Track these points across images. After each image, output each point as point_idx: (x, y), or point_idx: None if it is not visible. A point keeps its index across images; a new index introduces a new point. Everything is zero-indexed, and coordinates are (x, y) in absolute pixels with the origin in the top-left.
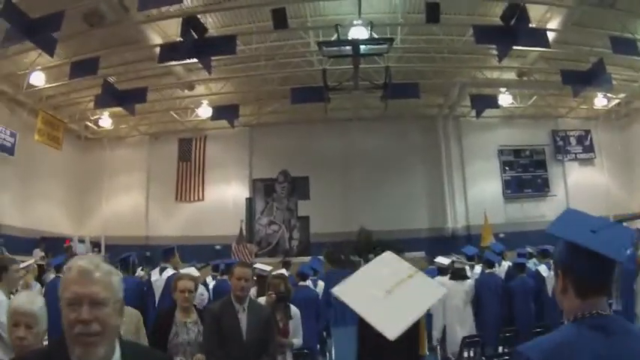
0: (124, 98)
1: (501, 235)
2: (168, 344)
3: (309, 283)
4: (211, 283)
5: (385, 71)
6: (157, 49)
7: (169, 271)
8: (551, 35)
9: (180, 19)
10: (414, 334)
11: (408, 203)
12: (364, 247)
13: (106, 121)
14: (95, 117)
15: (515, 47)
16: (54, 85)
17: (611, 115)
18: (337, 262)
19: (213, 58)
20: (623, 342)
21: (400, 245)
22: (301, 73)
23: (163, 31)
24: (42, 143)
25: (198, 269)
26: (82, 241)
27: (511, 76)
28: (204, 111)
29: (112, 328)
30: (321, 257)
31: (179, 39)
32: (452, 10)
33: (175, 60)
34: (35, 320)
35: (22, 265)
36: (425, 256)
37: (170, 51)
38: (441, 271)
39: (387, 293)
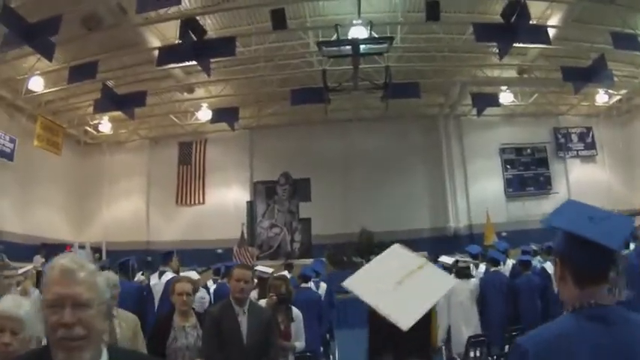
0: (124, 102)
1: (503, 234)
2: (166, 349)
3: (311, 285)
4: (212, 287)
5: (385, 71)
6: (156, 52)
7: (169, 275)
8: (551, 32)
9: (179, 21)
10: (425, 324)
11: (410, 203)
12: (366, 248)
13: (105, 125)
14: (95, 122)
15: (515, 45)
16: (53, 90)
17: (613, 111)
18: (339, 263)
19: (212, 60)
20: (622, 331)
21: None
22: (301, 75)
23: (162, 33)
24: (41, 149)
25: (200, 273)
26: (82, 247)
27: (512, 74)
28: (204, 114)
29: (97, 331)
30: (323, 259)
31: (178, 41)
32: (452, 9)
33: (174, 62)
34: (21, 326)
35: (20, 271)
36: (427, 256)
37: (169, 53)
38: (445, 270)
39: (397, 284)
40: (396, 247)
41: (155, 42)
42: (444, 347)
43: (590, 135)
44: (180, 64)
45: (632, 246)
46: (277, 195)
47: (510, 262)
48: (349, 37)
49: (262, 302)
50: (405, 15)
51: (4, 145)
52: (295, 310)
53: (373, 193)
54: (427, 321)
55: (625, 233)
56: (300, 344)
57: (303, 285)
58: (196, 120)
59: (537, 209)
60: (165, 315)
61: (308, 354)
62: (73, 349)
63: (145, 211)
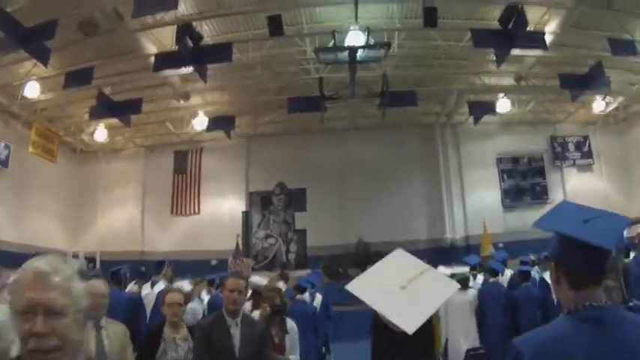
0: (119, 109)
1: (500, 245)
2: None
3: (306, 296)
4: (206, 298)
5: (382, 79)
6: (152, 59)
7: (161, 285)
8: (548, 38)
9: (175, 27)
10: (428, 328)
11: (407, 213)
12: (362, 259)
13: (101, 133)
14: (90, 129)
15: (513, 51)
16: (49, 96)
17: (610, 119)
18: (335, 275)
19: (209, 66)
20: (618, 332)
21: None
22: (298, 83)
23: (158, 40)
24: (36, 155)
25: (194, 284)
26: (75, 256)
27: (509, 81)
28: (200, 122)
29: (73, 342)
30: (319, 270)
31: (174, 47)
32: (449, 15)
33: (170, 68)
34: None
35: (10, 280)
36: None
37: (165, 59)
38: None
39: (401, 289)
40: (398, 252)
41: (151, 48)
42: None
43: (587, 143)
44: (177, 71)
45: (632, 254)
46: (273, 205)
47: (508, 272)
48: (346, 44)
49: (256, 314)
50: (402, 21)
51: None
52: (290, 322)
53: (370, 203)
54: (429, 326)
55: (618, 232)
56: (294, 357)
57: (299, 296)
58: (192, 128)
59: (534, 220)
60: (156, 326)
61: None
62: None
63: (139, 220)
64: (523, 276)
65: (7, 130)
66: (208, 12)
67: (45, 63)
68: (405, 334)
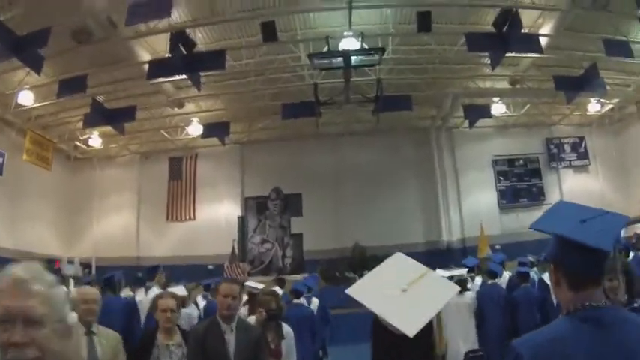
0: (113, 117)
1: (497, 247)
2: None
3: (302, 300)
4: (202, 303)
5: (377, 84)
6: (146, 67)
7: (155, 291)
8: (543, 41)
9: (169, 34)
10: (428, 331)
11: (403, 217)
12: (359, 263)
13: (95, 140)
14: (85, 137)
15: (507, 55)
16: (43, 104)
17: (605, 120)
18: (332, 279)
19: (202, 74)
20: (618, 332)
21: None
22: (292, 89)
23: (152, 47)
24: (31, 163)
25: (190, 289)
26: (71, 262)
27: (504, 84)
28: (195, 129)
29: (54, 353)
30: (317, 274)
31: (168, 55)
32: (443, 20)
33: (164, 76)
34: None
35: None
36: None
37: (159, 67)
38: None
39: (402, 292)
40: (398, 256)
41: (145, 56)
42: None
43: (583, 145)
44: (171, 78)
45: (631, 254)
46: (268, 210)
47: (507, 274)
48: (340, 49)
49: (252, 319)
50: (396, 26)
51: None
52: (286, 327)
53: (365, 208)
54: (430, 328)
55: (616, 232)
56: None
57: (295, 301)
58: (187, 135)
59: (531, 221)
60: (149, 332)
61: None
62: None
63: (135, 226)
64: (522, 277)
65: (1, 138)
66: (202, 19)
67: (38, 71)
68: (405, 336)
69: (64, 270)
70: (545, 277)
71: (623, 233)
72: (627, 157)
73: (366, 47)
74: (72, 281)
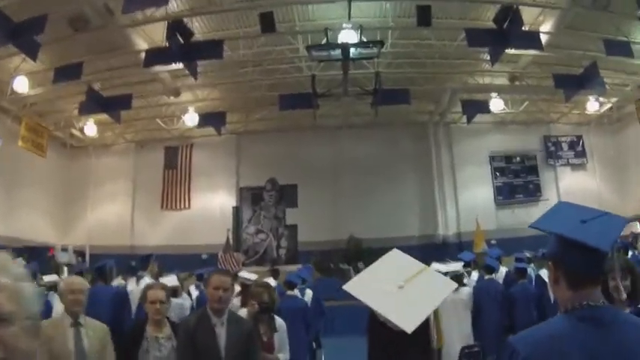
0: (109, 105)
1: (493, 242)
2: None
3: (296, 292)
4: (195, 293)
5: (375, 77)
6: (143, 55)
7: (146, 280)
8: (543, 38)
9: (166, 23)
10: (425, 327)
11: (399, 211)
12: (354, 255)
13: (91, 128)
14: (80, 124)
15: (507, 51)
16: (38, 91)
17: (603, 119)
18: (326, 270)
19: (199, 63)
20: (616, 332)
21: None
22: (290, 80)
23: (149, 36)
24: (26, 150)
25: (182, 279)
26: (64, 249)
27: (503, 81)
28: (191, 118)
29: (22, 353)
30: (311, 265)
31: (165, 44)
32: (443, 14)
33: (161, 64)
34: None
35: None
36: None
37: (155, 55)
38: None
39: (399, 288)
40: (395, 252)
41: (142, 44)
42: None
43: (581, 143)
44: (167, 67)
45: (630, 253)
46: (263, 201)
47: (504, 269)
48: (339, 42)
49: (244, 311)
50: (395, 20)
51: None
52: (279, 320)
53: (361, 201)
54: (426, 324)
55: (616, 233)
56: (283, 356)
57: (289, 293)
58: (183, 124)
59: (527, 217)
60: (139, 324)
61: None
62: None
63: (129, 214)
64: (519, 273)
65: None
66: (199, 8)
67: (34, 58)
68: (402, 332)
69: (58, 258)
70: (543, 273)
71: None
72: (625, 156)
73: (365, 40)
74: (65, 269)
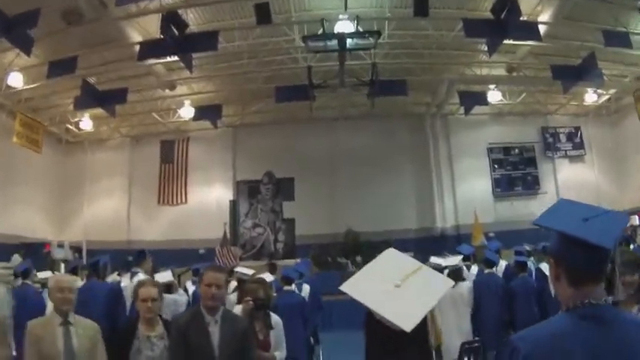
0: (104, 99)
1: (491, 234)
2: None
3: (293, 287)
4: (192, 289)
5: (372, 68)
6: (137, 48)
7: (140, 276)
8: (541, 29)
9: (160, 15)
10: (423, 325)
11: (396, 203)
12: (351, 248)
13: (86, 123)
14: (76, 119)
15: (505, 42)
16: (33, 86)
17: (602, 111)
18: (324, 264)
19: (194, 55)
20: (617, 330)
21: (387, 246)
22: (286, 72)
23: (144, 28)
24: (21, 146)
25: (179, 274)
26: (60, 245)
27: (500, 72)
28: (187, 111)
29: None
30: (309, 259)
31: (159, 36)
32: (440, 4)
33: (155, 57)
34: None
35: None
36: (414, 256)
37: (150, 48)
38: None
39: (396, 287)
40: (390, 251)
41: (136, 37)
42: (435, 353)
43: (579, 135)
44: (162, 60)
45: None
46: (260, 194)
47: (503, 262)
48: (335, 32)
49: (239, 308)
50: (392, 10)
51: None
52: (275, 317)
53: (359, 193)
54: (424, 322)
55: (618, 230)
56: (280, 354)
57: (286, 288)
58: (179, 118)
59: (525, 209)
60: (130, 323)
61: None
62: None
63: (126, 210)
64: (520, 267)
65: None
66: (194, 0)
67: (28, 52)
68: (400, 331)
69: (54, 254)
70: (543, 267)
71: None
72: (623, 148)
73: (362, 30)
74: (62, 265)
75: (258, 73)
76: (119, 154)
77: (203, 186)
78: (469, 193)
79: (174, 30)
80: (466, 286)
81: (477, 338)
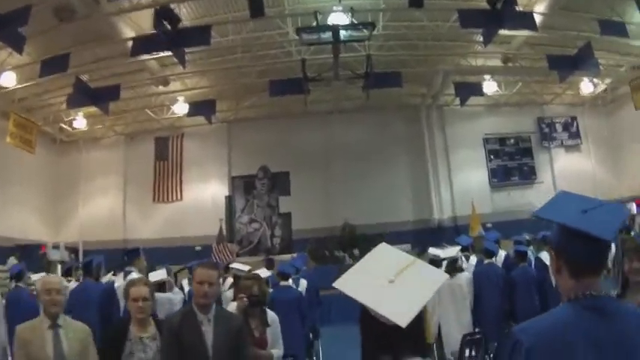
0: (97, 96)
1: (489, 225)
2: None
3: (290, 282)
4: (187, 287)
5: (366, 60)
6: (130, 44)
7: (134, 276)
8: (537, 19)
9: (153, 10)
10: (418, 319)
11: (393, 195)
12: (348, 242)
13: (80, 122)
14: (69, 118)
15: (500, 32)
16: (25, 85)
17: (598, 100)
18: (321, 258)
19: (187, 50)
20: (619, 322)
21: (384, 239)
22: (280, 65)
23: (136, 24)
24: (14, 146)
25: (175, 272)
26: (56, 247)
27: (496, 62)
28: (181, 107)
29: None
30: (305, 253)
31: (152, 32)
32: None
33: (148, 53)
34: None
35: None
36: (411, 249)
37: (143, 43)
38: (434, 264)
39: (390, 282)
40: (383, 246)
41: (129, 33)
42: (434, 345)
43: (575, 124)
44: (155, 55)
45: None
46: (256, 189)
47: (502, 253)
48: (329, 24)
49: (233, 306)
50: (387, 1)
51: None
52: (271, 314)
53: (355, 186)
54: (419, 317)
55: (618, 223)
56: (277, 352)
57: (283, 283)
58: (173, 114)
59: (522, 199)
60: (122, 324)
61: (290, 359)
62: None
63: (121, 208)
64: (520, 256)
65: None
66: None
67: (20, 51)
68: (395, 326)
69: (50, 255)
70: (542, 256)
71: None
72: (619, 137)
73: (356, 22)
74: (59, 267)
75: (252, 67)
76: (113, 152)
77: (198, 182)
78: (466, 184)
79: (167, 25)
80: (465, 277)
81: (477, 330)
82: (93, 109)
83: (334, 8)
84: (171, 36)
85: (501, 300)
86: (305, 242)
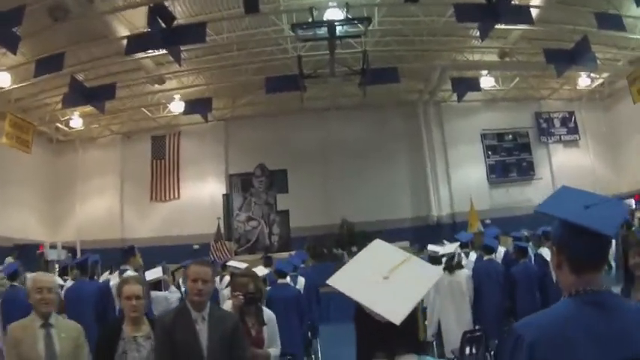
0: (93, 96)
1: (487, 221)
2: None
3: (288, 280)
4: (184, 286)
5: (363, 56)
6: (125, 42)
7: (129, 274)
8: (534, 13)
9: (147, 8)
10: (413, 317)
11: (391, 192)
12: (347, 239)
13: (76, 121)
14: (66, 118)
15: (497, 27)
16: (21, 85)
17: (595, 95)
18: (320, 256)
19: (183, 48)
20: (620, 317)
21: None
22: (276, 62)
23: (130, 22)
24: (10, 147)
25: (172, 271)
26: (53, 246)
27: (493, 57)
28: (177, 106)
29: None
30: (303, 251)
31: (147, 30)
32: None
33: (143, 51)
34: None
35: None
36: (410, 246)
37: (137, 42)
38: (433, 260)
39: (384, 279)
40: (377, 243)
41: (124, 31)
42: (434, 343)
43: (573, 119)
44: (150, 54)
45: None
46: (254, 187)
47: (502, 249)
48: (325, 20)
49: (229, 304)
50: None
51: None
52: (267, 312)
53: (353, 183)
54: (414, 314)
55: (620, 218)
56: (274, 351)
57: (281, 281)
58: (169, 112)
59: (521, 195)
60: (114, 323)
61: (288, 358)
62: None
63: (118, 208)
64: (520, 252)
65: None
66: None
67: (14, 51)
68: (389, 323)
69: (48, 255)
70: (543, 252)
71: None
72: (617, 132)
73: (351, 17)
74: (56, 267)
75: (248, 64)
76: (110, 151)
77: (195, 181)
78: (464, 180)
79: (162, 23)
80: (464, 274)
81: (477, 327)
82: (89, 109)
83: (329, 4)
84: (166, 34)
85: (502, 297)
86: (303, 240)
